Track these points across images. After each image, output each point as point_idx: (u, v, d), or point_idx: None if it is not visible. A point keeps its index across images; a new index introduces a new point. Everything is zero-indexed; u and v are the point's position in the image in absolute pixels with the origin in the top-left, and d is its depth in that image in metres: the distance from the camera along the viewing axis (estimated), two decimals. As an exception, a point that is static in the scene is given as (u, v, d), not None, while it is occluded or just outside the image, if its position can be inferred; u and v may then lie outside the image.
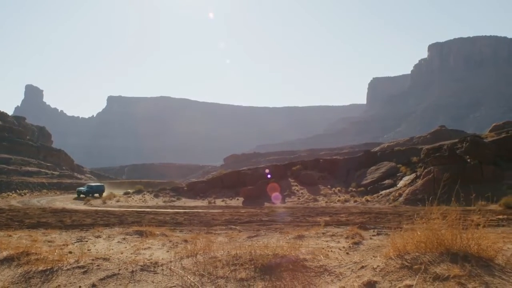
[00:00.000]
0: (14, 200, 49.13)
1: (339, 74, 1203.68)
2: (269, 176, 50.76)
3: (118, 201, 46.61)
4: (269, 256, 4.12)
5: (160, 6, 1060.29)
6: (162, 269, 4.26)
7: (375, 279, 3.47)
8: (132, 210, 28.47)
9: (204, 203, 43.70)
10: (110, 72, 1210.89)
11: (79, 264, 4.49)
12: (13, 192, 65.61)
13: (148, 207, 38.35)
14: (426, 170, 37.63)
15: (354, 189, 43.84)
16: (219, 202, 44.11)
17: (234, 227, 12.32)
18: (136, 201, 46.82)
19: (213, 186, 52.52)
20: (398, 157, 49.36)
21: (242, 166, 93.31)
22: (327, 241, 6.38)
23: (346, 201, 39.84)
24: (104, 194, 53.83)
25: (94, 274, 4.24)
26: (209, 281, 3.91)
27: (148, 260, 4.58)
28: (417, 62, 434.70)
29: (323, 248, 5.08)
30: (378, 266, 3.72)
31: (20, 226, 12.85)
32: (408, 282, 3.20)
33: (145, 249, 5.91)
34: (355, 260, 4.12)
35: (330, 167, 53.06)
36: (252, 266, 4.04)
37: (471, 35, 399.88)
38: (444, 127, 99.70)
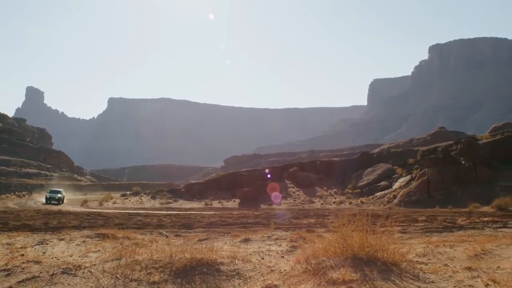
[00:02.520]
0: (12, 202, 49.24)
1: (339, 75, 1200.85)
2: (269, 176, 50.82)
3: (115, 203, 46.60)
4: (186, 260, 4.16)
5: (161, 7, 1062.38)
6: (83, 272, 4.32)
7: (276, 282, 3.50)
8: (125, 212, 28.55)
9: (201, 204, 43.70)
10: (110, 74, 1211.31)
11: (6, 267, 4.55)
12: (12, 193, 65.69)
13: (143, 208, 38.39)
14: (420, 172, 37.59)
15: (350, 191, 43.82)
16: (215, 203, 44.10)
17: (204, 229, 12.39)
18: (133, 203, 46.76)
19: (210, 188, 52.53)
20: (395, 159, 49.31)
21: (242, 168, 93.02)
22: (269, 244, 6.47)
23: (341, 203, 39.81)
24: (101, 196, 53.85)
25: (15, 276, 4.30)
26: (122, 284, 3.96)
27: (72, 263, 4.57)
28: (417, 63, 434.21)
29: (261, 252, 5.13)
30: (285, 270, 3.75)
31: (2, 229, 12.91)
32: (303, 285, 3.20)
33: (94, 251, 5.99)
34: (269, 264, 4.10)
35: (327, 168, 53.02)
36: (168, 270, 4.09)
37: (471, 37, 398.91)
38: (444, 129, 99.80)
